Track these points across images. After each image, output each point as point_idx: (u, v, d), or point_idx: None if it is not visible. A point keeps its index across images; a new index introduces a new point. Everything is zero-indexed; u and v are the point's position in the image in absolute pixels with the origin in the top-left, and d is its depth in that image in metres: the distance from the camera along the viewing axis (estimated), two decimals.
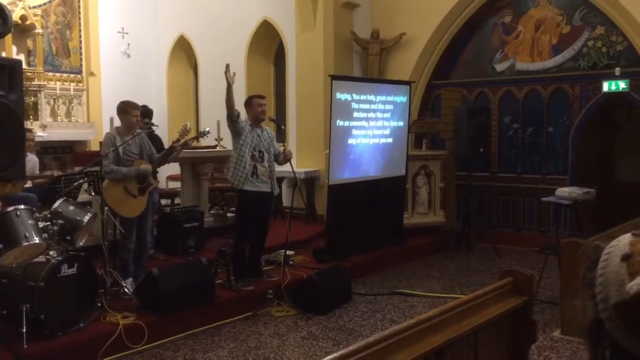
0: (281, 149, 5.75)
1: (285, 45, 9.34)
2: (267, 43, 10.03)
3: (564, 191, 5.92)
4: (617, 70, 7.21)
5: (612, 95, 7.34)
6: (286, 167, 5.91)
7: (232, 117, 5.37)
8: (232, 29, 9.94)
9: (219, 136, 7.49)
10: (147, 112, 6.53)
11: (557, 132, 7.90)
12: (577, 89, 7.67)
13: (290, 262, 6.19)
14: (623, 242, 0.90)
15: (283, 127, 6.39)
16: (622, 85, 7.18)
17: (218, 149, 7.47)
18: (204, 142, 8.46)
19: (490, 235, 7.80)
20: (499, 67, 8.37)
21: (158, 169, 6.03)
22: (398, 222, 7.59)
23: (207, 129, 5.85)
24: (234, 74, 5.34)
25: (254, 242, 5.64)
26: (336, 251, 6.56)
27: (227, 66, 5.27)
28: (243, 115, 5.61)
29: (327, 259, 6.40)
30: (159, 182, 6.79)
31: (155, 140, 6.40)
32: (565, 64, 7.78)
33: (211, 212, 7.59)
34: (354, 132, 6.91)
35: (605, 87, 7.30)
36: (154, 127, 6.62)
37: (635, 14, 6.75)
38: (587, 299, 0.94)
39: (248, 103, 5.65)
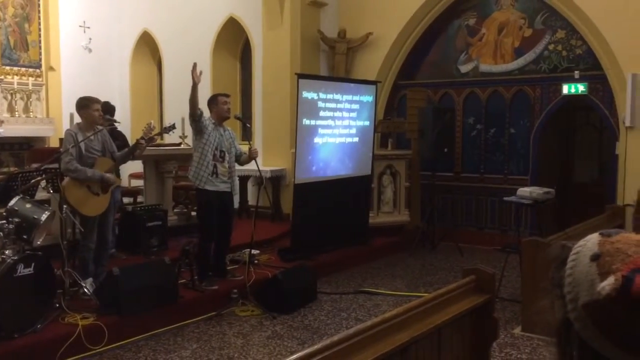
0: (246, 147, 5.70)
1: (252, 43, 9.27)
2: (233, 40, 9.94)
3: (524, 191, 6.04)
4: (577, 74, 7.40)
5: (571, 97, 7.54)
6: (252, 166, 5.87)
7: (195, 116, 5.29)
8: (198, 25, 9.82)
9: (183, 134, 7.38)
10: (109, 109, 6.38)
11: (518, 133, 8.06)
12: (538, 91, 7.84)
13: (255, 262, 6.15)
14: (591, 241, 0.91)
15: (249, 126, 6.35)
16: (581, 88, 7.37)
17: (182, 146, 7.36)
18: (168, 139, 8.34)
19: (453, 234, 7.91)
20: (463, 69, 8.50)
21: (120, 167, 5.93)
22: (363, 221, 7.62)
23: (174, 123, 5.76)
24: (201, 72, 5.27)
25: (218, 242, 5.57)
26: (302, 250, 6.55)
27: (194, 65, 5.20)
28: (206, 113, 5.52)
29: (292, 258, 6.38)
30: (121, 179, 6.65)
31: (119, 137, 6.27)
32: (526, 67, 7.95)
33: (175, 210, 7.48)
34: (320, 131, 6.90)
35: (565, 89, 7.49)
36: (116, 124, 6.47)
37: (594, 19, 6.94)
38: (556, 298, 0.94)
39: (212, 101, 5.58)
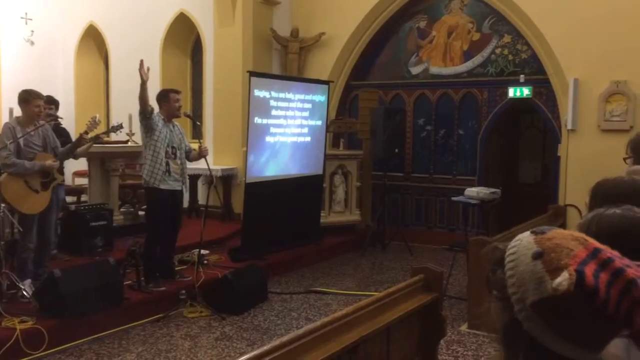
0: (196, 145, 5.60)
1: (203, 40, 9.12)
2: (184, 36, 9.75)
3: (472, 191, 6.18)
4: (522, 78, 7.63)
5: (516, 101, 7.76)
6: (202, 165, 5.77)
7: (146, 113, 5.15)
8: (146, 19, 9.57)
9: (131, 131, 7.18)
10: (52, 103, 6.13)
11: (466, 135, 8.25)
12: (486, 93, 8.04)
13: (205, 262, 6.04)
14: (526, 240, 0.91)
15: (199, 124, 6.23)
16: (526, 91, 7.60)
17: (130, 144, 7.15)
18: (115, 136, 8.09)
19: (403, 234, 8.01)
20: (414, 70, 8.62)
21: (64, 164, 5.70)
22: (315, 221, 7.62)
23: (120, 123, 5.60)
24: (149, 69, 5.13)
25: (165, 241, 5.44)
26: (252, 250, 6.48)
27: (142, 62, 5.06)
28: (156, 109, 5.38)
29: (243, 258, 6.30)
30: (64, 177, 6.39)
31: (62, 133, 6.04)
32: (475, 70, 8.14)
33: (121, 210, 7.26)
34: (272, 130, 6.86)
35: (511, 93, 7.70)
36: (59, 119, 6.23)
37: (539, 24, 7.17)
38: (496, 300, 0.94)
39: (163, 97, 5.44)
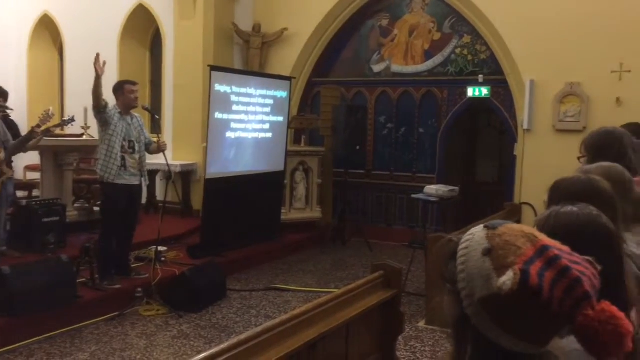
0: (155, 139, 5.48)
1: (163, 32, 8.93)
2: (143, 28, 9.52)
3: (431, 189, 6.27)
4: (481, 78, 7.76)
5: (475, 100, 7.89)
6: (160, 160, 5.65)
7: (99, 108, 5.01)
8: (103, 10, 9.31)
9: (85, 124, 6.95)
10: (1, 94, 5.90)
11: (427, 133, 8.34)
12: (445, 93, 8.15)
13: (162, 259, 5.92)
14: (478, 235, 0.92)
15: (157, 117, 6.08)
16: (484, 91, 7.74)
17: (85, 138, 6.94)
18: (69, 130, 7.85)
19: (364, 231, 8.05)
20: (376, 68, 8.66)
21: (13, 158, 5.49)
22: (275, 218, 7.57)
23: (72, 116, 5.43)
24: (104, 63, 4.99)
25: (121, 238, 5.31)
26: (211, 247, 6.39)
27: (97, 56, 4.92)
28: (112, 101, 5.23)
29: (201, 254, 6.21)
30: (14, 171, 6.15)
31: (10, 126, 5.82)
32: (435, 69, 8.24)
33: (75, 205, 7.04)
34: (233, 125, 6.78)
35: (470, 92, 7.83)
36: (8, 111, 5.99)
37: (497, 26, 7.31)
38: (449, 294, 0.94)
39: (119, 89, 5.29)
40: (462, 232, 0.99)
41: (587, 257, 0.88)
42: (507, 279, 0.82)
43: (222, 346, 2.60)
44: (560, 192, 1.67)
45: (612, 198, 1.63)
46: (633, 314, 1.60)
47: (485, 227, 0.93)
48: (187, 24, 8.34)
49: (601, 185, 1.66)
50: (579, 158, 2.62)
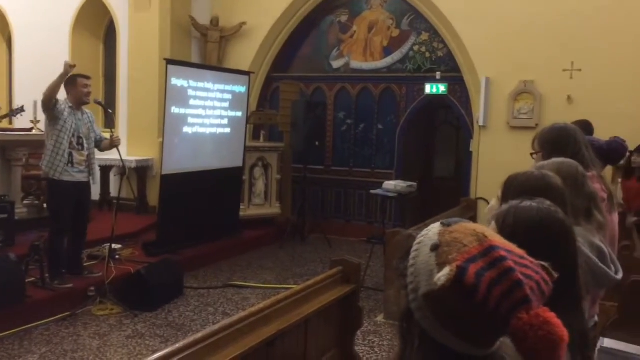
0: (108, 134, 5.32)
1: (117, 24, 8.69)
2: (96, 20, 9.24)
3: (390, 184, 6.31)
4: (438, 75, 7.87)
5: (433, 97, 8.00)
6: (114, 155, 5.49)
7: (49, 105, 4.84)
8: (55, 0, 8.98)
9: (35, 118, 6.71)
10: None
11: (385, 129, 8.40)
12: (404, 89, 8.23)
13: (117, 257, 5.77)
14: (433, 231, 0.91)
15: (110, 112, 5.89)
16: (442, 88, 7.85)
17: (34, 132, 6.69)
18: (17, 123, 7.57)
19: (323, 226, 8.06)
20: (335, 64, 8.67)
21: None
22: (234, 214, 7.49)
23: (22, 106, 5.22)
24: (74, 66, 4.87)
25: (73, 236, 5.14)
26: (168, 244, 6.27)
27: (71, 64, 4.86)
28: (62, 95, 5.05)
29: (157, 252, 6.08)
30: None
31: None
32: (394, 66, 8.30)
33: (25, 202, 6.78)
34: (190, 120, 6.66)
35: (428, 89, 7.93)
36: None
37: (454, 24, 7.42)
38: (401, 288, 0.94)
39: (71, 83, 5.10)
40: (420, 228, 0.98)
41: (541, 263, 0.87)
42: (443, 274, 0.81)
43: (178, 345, 2.54)
44: (514, 187, 1.69)
45: (562, 193, 1.67)
46: (586, 304, 1.63)
47: (441, 223, 0.92)
48: (142, 16, 8.14)
49: (553, 180, 1.70)
50: (532, 154, 2.67)
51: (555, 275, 0.88)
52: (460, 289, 0.80)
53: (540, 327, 0.79)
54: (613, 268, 1.88)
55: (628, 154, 4.61)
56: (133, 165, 7.83)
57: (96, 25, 9.30)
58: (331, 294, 3.71)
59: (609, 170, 5.11)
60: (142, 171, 8.11)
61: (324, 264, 6.61)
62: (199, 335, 2.67)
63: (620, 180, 5.88)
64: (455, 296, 0.81)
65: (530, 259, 0.86)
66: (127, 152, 7.98)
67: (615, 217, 2.50)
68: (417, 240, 0.92)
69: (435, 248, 0.87)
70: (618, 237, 2.59)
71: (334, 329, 3.83)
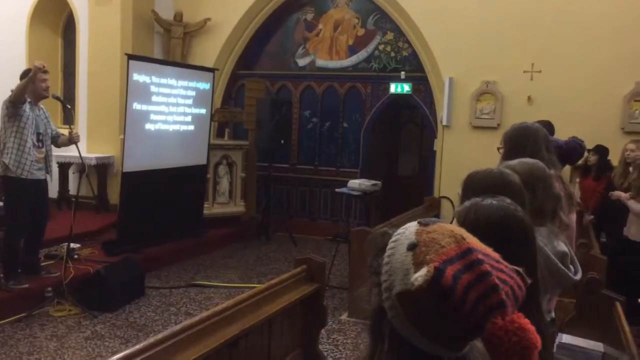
0: (67, 131, 5.17)
1: (76, 17, 8.45)
2: (55, 13, 8.97)
3: (354, 183, 6.33)
4: (403, 74, 7.94)
5: (397, 96, 8.06)
6: (73, 152, 5.34)
7: (18, 103, 4.69)
8: None
9: None
10: None
11: (351, 128, 8.43)
12: (369, 88, 8.27)
13: (75, 256, 5.61)
14: (410, 230, 0.90)
15: (69, 107, 5.71)
16: (406, 88, 7.92)
17: None
18: None
19: (288, 225, 8.03)
20: (301, 62, 8.65)
21: None
22: (197, 212, 7.39)
23: None
24: (43, 66, 4.75)
25: (29, 235, 4.98)
26: (129, 243, 6.14)
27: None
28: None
29: (118, 251, 5.94)
30: None
31: None
32: (359, 65, 8.33)
33: None
34: (153, 117, 6.53)
35: (392, 88, 7.99)
36: None
37: (419, 24, 7.49)
38: (374, 286, 0.92)
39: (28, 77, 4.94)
40: (384, 225, 0.97)
41: (515, 268, 0.86)
42: (420, 275, 0.80)
43: (139, 346, 2.49)
44: (473, 185, 1.71)
45: (520, 190, 1.69)
46: (544, 303, 1.66)
47: (418, 222, 0.91)
48: (102, 10, 7.95)
49: (511, 178, 1.72)
50: (498, 148, 2.74)
51: (529, 280, 0.88)
52: (436, 291, 0.79)
53: (514, 332, 0.79)
54: (572, 269, 1.92)
55: (585, 153, 4.75)
56: (93, 162, 7.64)
57: (54, 19, 9.03)
58: (295, 292, 3.69)
59: (567, 170, 5.23)
60: (102, 168, 7.92)
61: (288, 263, 6.58)
62: (160, 336, 2.62)
63: (577, 179, 6.04)
64: (430, 297, 0.80)
65: (505, 263, 0.86)
66: (87, 149, 7.79)
67: (574, 216, 2.56)
68: (393, 239, 0.91)
69: (412, 247, 0.86)
70: (576, 236, 2.66)
71: (298, 328, 3.81)
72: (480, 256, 0.83)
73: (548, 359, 0.84)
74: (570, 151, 3.21)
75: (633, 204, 4.43)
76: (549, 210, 1.93)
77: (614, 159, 5.72)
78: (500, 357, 0.80)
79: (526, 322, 0.80)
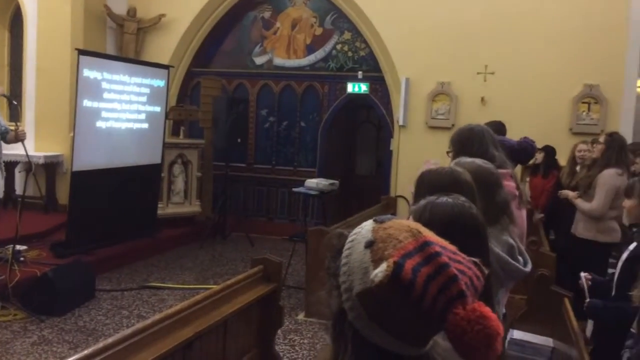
0: (12, 128, 4.96)
1: (24, 10, 8.13)
2: (1, 5, 8.61)
3: (312, 182, 6.32)
4: (360, 74, 7.98)
5: (355, 96, 8.10)
6: (19, 150, 5.13)
7: None
8: None
9: None
10: None
11: (308, 127, 8.42)
12: (327, 88, 8.27)
13: (21, 259, 5.39)
14: (366, 228, 0.89)
15: (15, 103, 5.48)
16: (363, 87, 7.97)
17: None
18: None
19: (244, 225, 7.95)
20: (258, 61, 8.58)
21: None
22: (151, 213, 7.22)
23: None
24: None
25: None
26: (79, 244, 5.95)
27: None
28: None
29: (67, 253, 5.76)
30: None
31: None
32: (317, 64, 8.33)
33: None
34: (104, 114, 6.35)
35: (350, 88, 8.02)
36: None
37: (376, 24, 7.54)
38: (332, 289, 0.90)
39: None
40: (342, 226, 0.95)
41: (473, 259, 0.86)
42: (380, 270, 0.79)
43: (87, 351, 2.40)
44: (425, 184, 1.72)
45: (472, 189, 1.71)
46: (503, 298, 1.68)
47: (374, 220, 0.90)
48: (52, 3, 7.71)
49: (462, 177, 1.74)
50: (447, 152, 2.77)
51: (487, 271, 0.88)
52: (396, 285, 0.78)
53: (476, 321, 0.78)
54: (521, 260, 1.96)
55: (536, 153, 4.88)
56: (41, 161, 7.38)
57: (1, 11, 8.66)
58: (251, 293, 3.65)
59: (517, 170, 5.37)
60: (51, 167, 7.65)
61: (245, 263, 6.51)
62: (111, 340, 2.54)
63: (527, 179, 6.21)
64: (391, 293, 0.79)
65: (463, 255, 0.86)
66: (35, 147, 7.53)
67: (524, 214, 2.62)
68: (350, 238, 0.90)
69: (369, 245, 0.85)
70: (526, 233, 2.72)
71: (254, 329, 3.77)
72: (437, 249, 0.83)
73: (499, 354, 0.84)
74: (522, 151, 3.29)
75: (580, 203, 4.57)
76: (496, 209, 1.96)
77: (562, 159, 5.91)
78: (464, 347, 0.79)
79: (487, 310, 0.79)
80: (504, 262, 1.87)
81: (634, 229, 2.84)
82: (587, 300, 2.83)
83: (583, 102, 6.83)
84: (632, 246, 2.75)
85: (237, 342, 3.53)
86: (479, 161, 2.07)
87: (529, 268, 1.97)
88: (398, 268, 0.79)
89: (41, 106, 7.82)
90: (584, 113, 6.82)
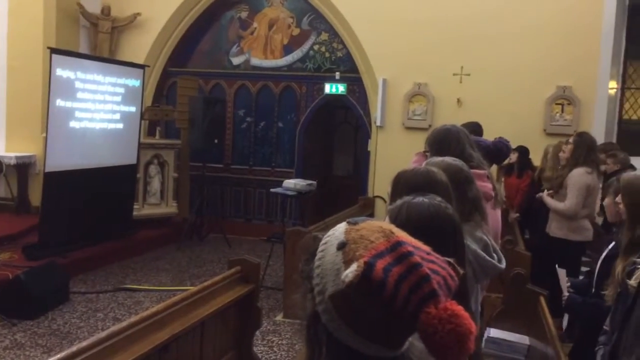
0: None
1: None
2: None
3: (290, 183, 6.31)
4: (337, 75, 7.99)
5: (332, 97, 8.11)
6: None
7: None
8: None
9: None
10: None
11: (286, 128, 8.40)
12: (304, 88, 8.27)
13: None
14: (339, 230, 0.89)
15: None
16: (341, 88, 7.98)
17: None
18: None
19: (222, 226, 7.90)
20: (235, 61, 8.53)
21: None
22: (127, 214, 7.13)
23: None
24: None
25: None
26: (52, 246, 5.84)
27: None
28: None
29: (40, 255, 5.64)
30: None
31: None
32: (294, 64, 8.31)
33: None
34: (78, 114, 6.25)
35: (327, 89, 8.03)
36: None
37: (353, 25, 7.56)
38: (307, 292, 0.90)
39: None
40: (320, 227, 0.95)
41: (447, 259, 0.86)
42: (350, 271, 0.78)
43: (61, 355, 2.36)
44: (401, 184, 1.73)
45: (447, 188, 1.73)
46: (479, 294, 1.69)
47: (347, 222, 0.90)
48: (24, 0, 7.52)
49: (438, 176, 1.75)
50: (424, 153, 2.78)
51: (462, 271, 0.88)
52: (367, 286, 0.78)
53: (448, 320, 0.78)
54: (496, 257, 1.98)
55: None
56: (12, 161, 7.25)
57: None
58: (229, 294, 3.62)
59: (492, 170, 5.43)
60: (22, 168, 7.50)
61: (222, 264, 6.47)
62: (85, 343, 2.50)
63: (502, 178, 6.29)
64: (362, 294, 0.78)
65: (437, 255, 0.86)
66: (6, 148, 7.40)
67: (499, 214, 2.65)
68: (323, 241, 0.89)
69: (341, 246, 0.84)
70: (501, 232, 2.75)
71: (232, 330, 3.74)
72: (410, 249, 0.82)
73: (476, 352, 0.84)
74: (497, 151, 3.32)
75: (553, 203, 4.64)
76: (467, 208, 1.98)
77: (536, 159, 5.99)
78: (437, 346, 0.78)
79: (460, 309, 0.79)
80: (480, 258, 1.89)
81: (614, 229, 2.89)
82: (566, 294, 2.87)
83: (557, 104, 6.95)
84: (611, 245, 2.80)
85: (214, 344, 3.50)
86: (448, 159, 2.09)
87: (503, 265, 2.00)
88: (369, 268, 0.78)
89: (13, 106, 7.66)
90: (558, 114, 6.94)
